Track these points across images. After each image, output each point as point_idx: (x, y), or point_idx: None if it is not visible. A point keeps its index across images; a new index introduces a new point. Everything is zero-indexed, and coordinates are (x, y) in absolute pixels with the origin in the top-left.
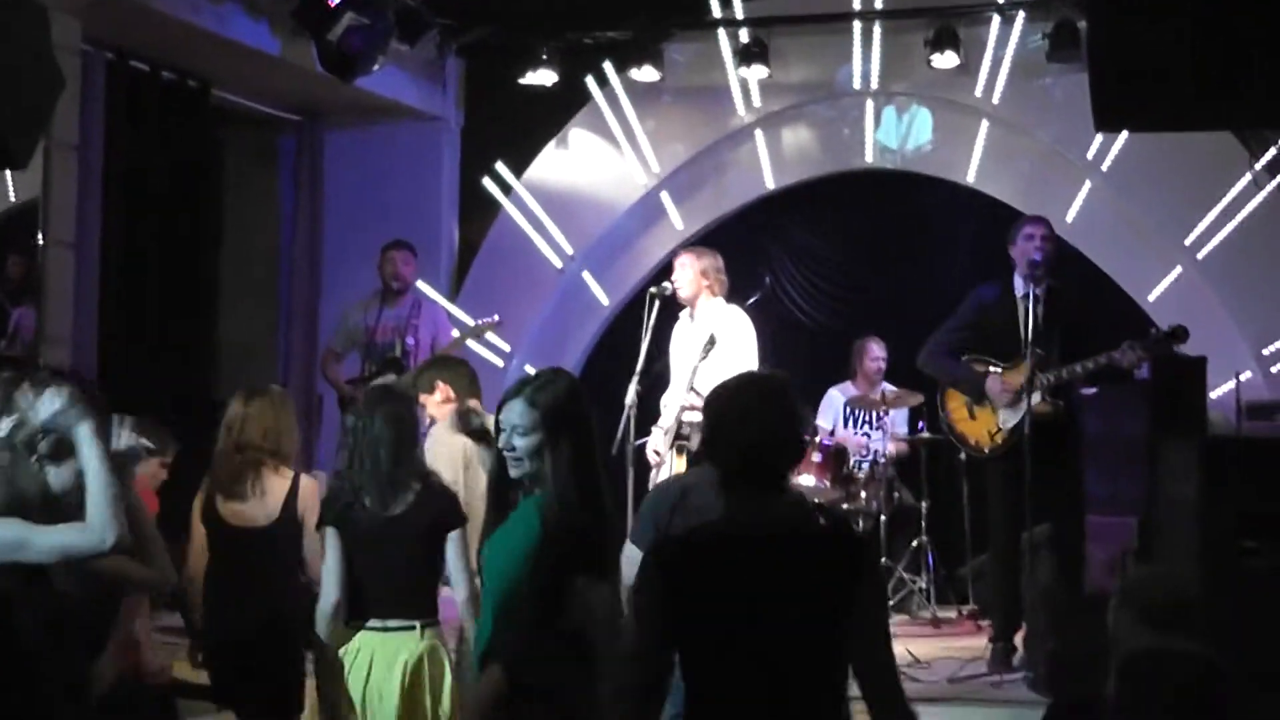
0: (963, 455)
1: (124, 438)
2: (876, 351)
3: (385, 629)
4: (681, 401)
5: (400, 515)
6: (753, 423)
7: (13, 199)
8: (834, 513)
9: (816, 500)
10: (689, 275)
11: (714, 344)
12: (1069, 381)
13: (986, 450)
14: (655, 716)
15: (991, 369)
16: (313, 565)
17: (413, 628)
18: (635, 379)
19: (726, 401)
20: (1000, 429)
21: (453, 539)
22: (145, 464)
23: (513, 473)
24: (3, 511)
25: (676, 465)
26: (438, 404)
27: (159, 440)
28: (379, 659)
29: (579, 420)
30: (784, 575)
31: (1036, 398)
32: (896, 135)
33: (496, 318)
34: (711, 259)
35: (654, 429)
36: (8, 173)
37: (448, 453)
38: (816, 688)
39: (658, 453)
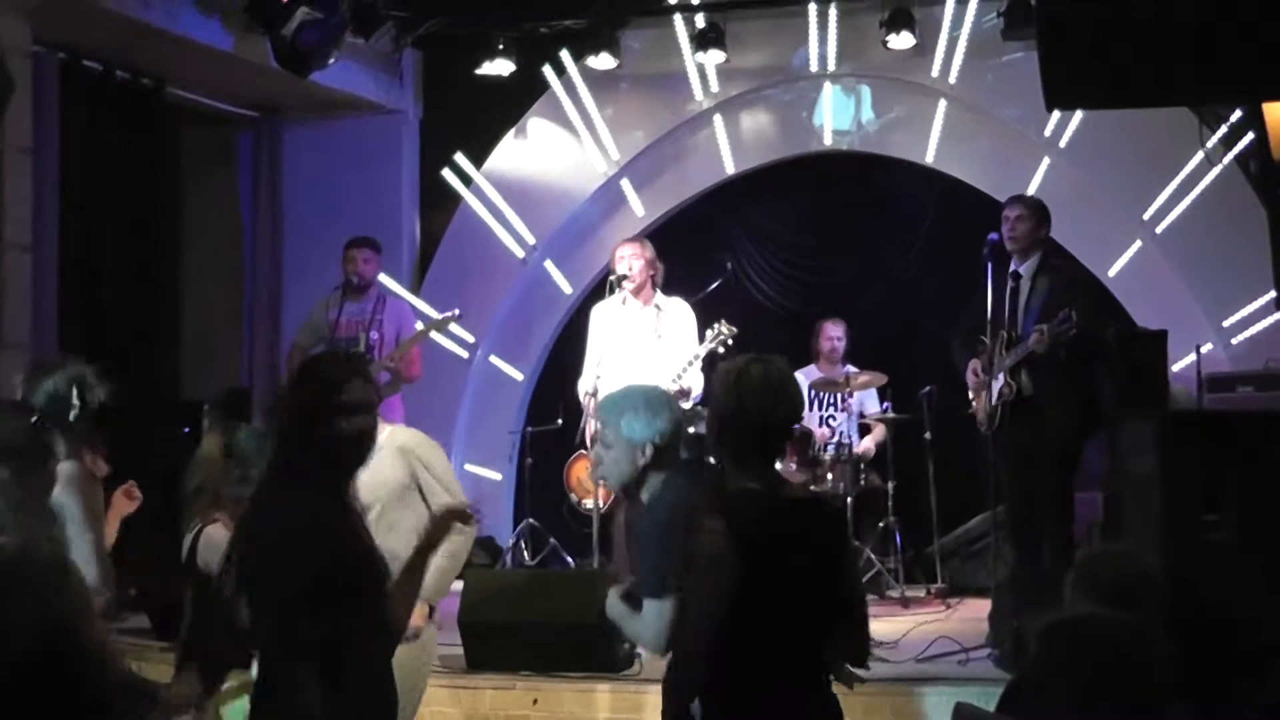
0: (927, 435)
1: None
2: (830, 331)
3: None
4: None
5: None
6: (784, 400)
7: None
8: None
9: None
10: (641, 264)
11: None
12: (1013, 367)
13: (982, 429)
14: None
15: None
16: None
17: None
18: (597, 367)
19: (756, 380)
20: (990, 407)
21: None
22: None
23: None
24: None
25: None
26: None
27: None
28: None
29: None
30: (808, 539)
31: (1001, 379)
32: (847, 117)
33: (457, 311)
34: (652, 251)
35: (591, 415)
36: None
37: None
38: (823, 639)
39: None
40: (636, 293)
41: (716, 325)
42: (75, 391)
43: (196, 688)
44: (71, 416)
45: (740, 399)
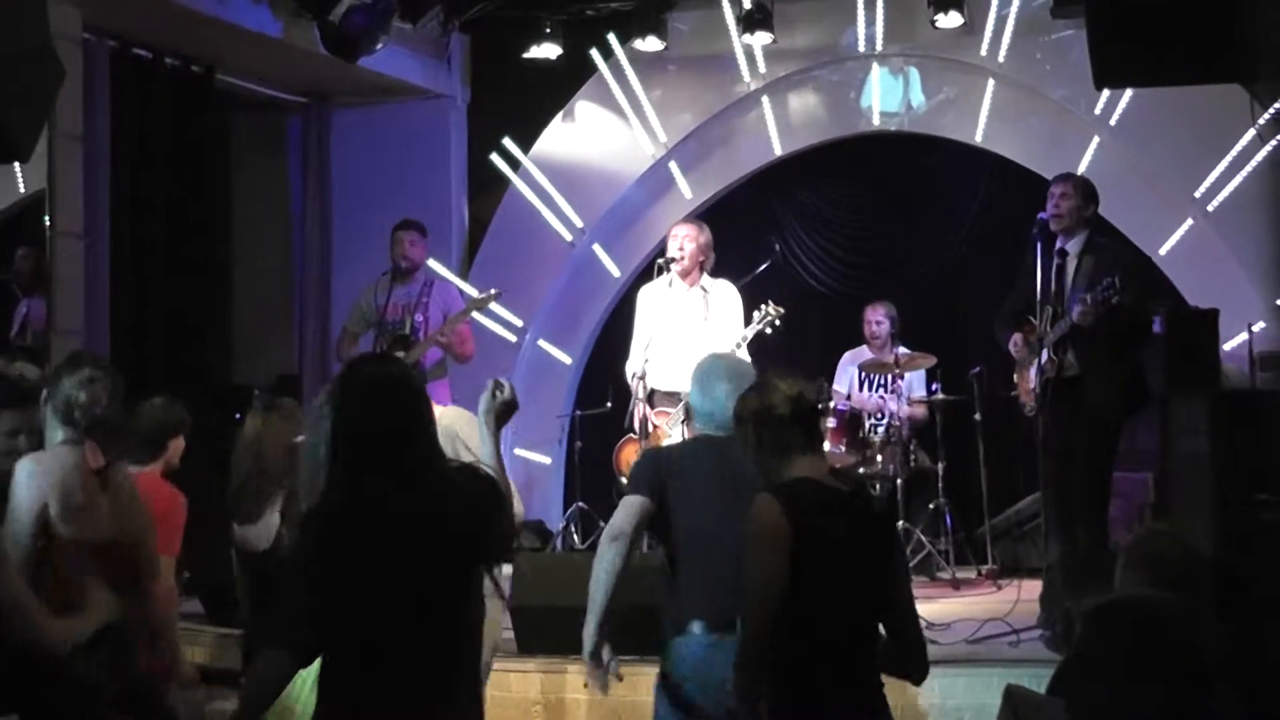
0: (977, 416)
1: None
2: (871, 315)
3: None
4: None
5: None
6: (804, 389)
7: (22, 190)
8: (852, 477)
9: (835, 465)
10: (693, 248)
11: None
12: (1056, 342)
13: (1026, 409)
14: None
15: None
16: None
17: None
18: (645, 349)
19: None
20: (1032, 388)
21: None
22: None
23: None
24: None
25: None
26: None
27: (174, 414)
28: None
29: None
30: (861, 531)
31: (1045, 356)
32: (896, 98)
33: (494, 290)
34: (708, 236)
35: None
36: (16, 165)
37: None
38: (873, 634)
39: (654, 424)
40: (684, 275)
41: (764, 305)
42: (84, 394)
43: None
44: (77, 416)
45: (763, 400)
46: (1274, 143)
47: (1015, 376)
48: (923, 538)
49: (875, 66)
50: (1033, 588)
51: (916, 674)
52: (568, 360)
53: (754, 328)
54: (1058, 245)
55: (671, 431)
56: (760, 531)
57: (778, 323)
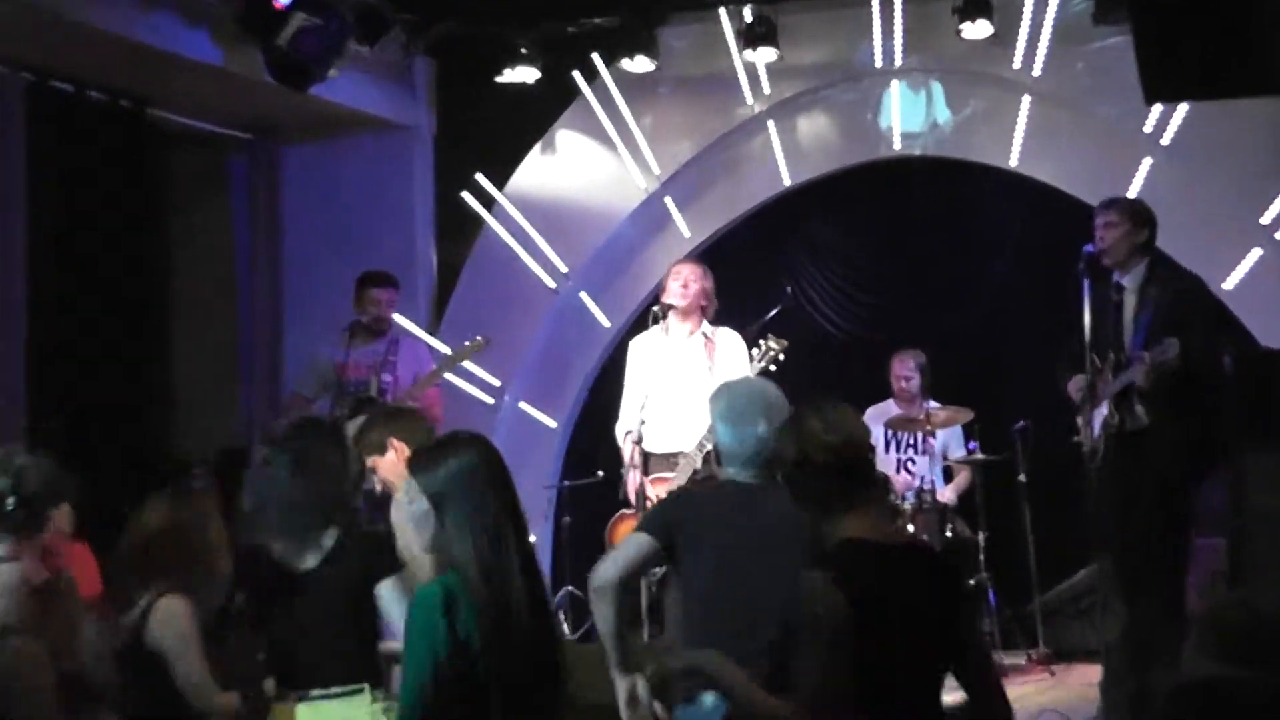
0: (1022, 477)
1: None
2: (899, 369)
3: (328, 696)
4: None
5: (316, 570)
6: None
7: None
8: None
9: None
10: (697, 289)
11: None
12: (1118, 394)
13: (1089, 463)
14: None
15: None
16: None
17: (361, 690)
18: (640, 408)
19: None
20: (1095, 438)
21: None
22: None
23: None
24: None
25: None
26: (393, 466)
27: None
28: None
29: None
30: (919, 590)
31: (1106, 409)
32: (918, 118)
33: (480, 338)
34: (712, 280)
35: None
36: None
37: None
38: (936, 695)
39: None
40: (684, 317)
41: (764, 342)
42: (9, 484)
43: None
44: (9, 506)
45: (800, 447)
46: None
47: (1078, 419)
48: None
49: (894, 83)
50: (1091, 673)
51: None
52: (552, 424)
53: (756, 366)
54: (1114, 279)
55: None
56: (816, 620)
57: (781, 357)
